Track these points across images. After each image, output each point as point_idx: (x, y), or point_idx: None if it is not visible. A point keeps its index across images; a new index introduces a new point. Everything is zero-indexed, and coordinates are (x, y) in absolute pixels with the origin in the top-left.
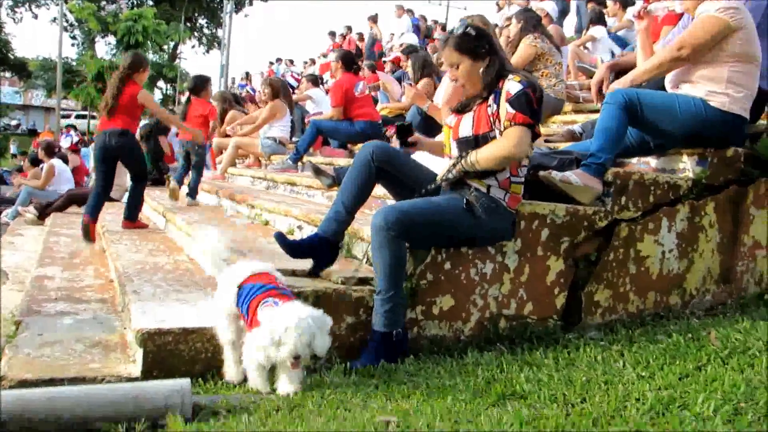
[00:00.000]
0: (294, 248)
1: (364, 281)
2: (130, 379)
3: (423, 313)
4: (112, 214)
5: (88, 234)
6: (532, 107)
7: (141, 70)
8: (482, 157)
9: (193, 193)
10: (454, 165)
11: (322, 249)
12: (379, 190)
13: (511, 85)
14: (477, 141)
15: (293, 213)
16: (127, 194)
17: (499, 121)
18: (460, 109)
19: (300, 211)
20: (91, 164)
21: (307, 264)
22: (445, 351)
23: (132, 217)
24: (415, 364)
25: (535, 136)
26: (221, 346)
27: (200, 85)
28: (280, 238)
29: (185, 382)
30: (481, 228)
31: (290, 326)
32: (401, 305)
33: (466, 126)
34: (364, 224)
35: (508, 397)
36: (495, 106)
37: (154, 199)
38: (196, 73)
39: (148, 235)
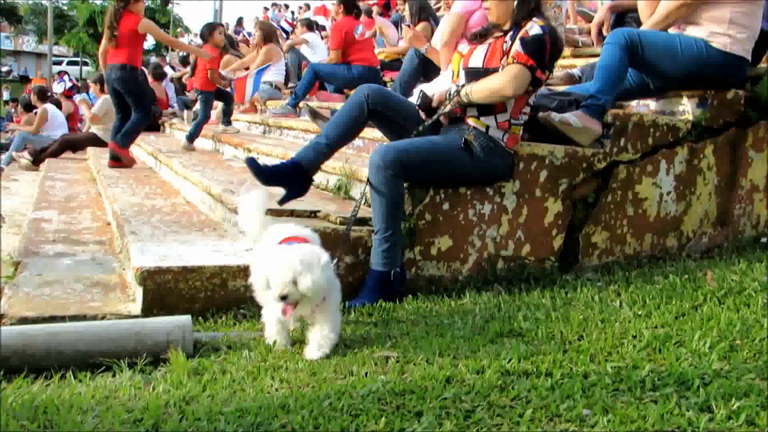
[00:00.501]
0: (266, 175)
1: (362, 221)
2: (130, 317)
3: (421, 254)
4: (106, 159)
5: (117, 157)
6: (542, 54)
7: (134, 0)
8: (476, 89)
9: (192, 137)
10: (451, 97)
11: (295, 177)
12: (377, 133)
13: (533, 27)
14: (486, 74)
15: (291, 156)
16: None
17: (507, 57)
18: (476, 38)
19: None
20: (84, 111)
21: (307, 206)
22: (443, 291)
23: (121, 143)
24: (413, 303)
25: (537, 82)
26: (224, 287)
27: (208, 31)
28: (252, 163)
29: (186, 318)
30: (478, 167)
31: (274, 266)
32: (399, 245)
33: (478, 57)
34: (362, 166)
35: (506, 335)
36: (510, 43)
37: (149, 144)
38: (188, 18)
39: (143, 178)
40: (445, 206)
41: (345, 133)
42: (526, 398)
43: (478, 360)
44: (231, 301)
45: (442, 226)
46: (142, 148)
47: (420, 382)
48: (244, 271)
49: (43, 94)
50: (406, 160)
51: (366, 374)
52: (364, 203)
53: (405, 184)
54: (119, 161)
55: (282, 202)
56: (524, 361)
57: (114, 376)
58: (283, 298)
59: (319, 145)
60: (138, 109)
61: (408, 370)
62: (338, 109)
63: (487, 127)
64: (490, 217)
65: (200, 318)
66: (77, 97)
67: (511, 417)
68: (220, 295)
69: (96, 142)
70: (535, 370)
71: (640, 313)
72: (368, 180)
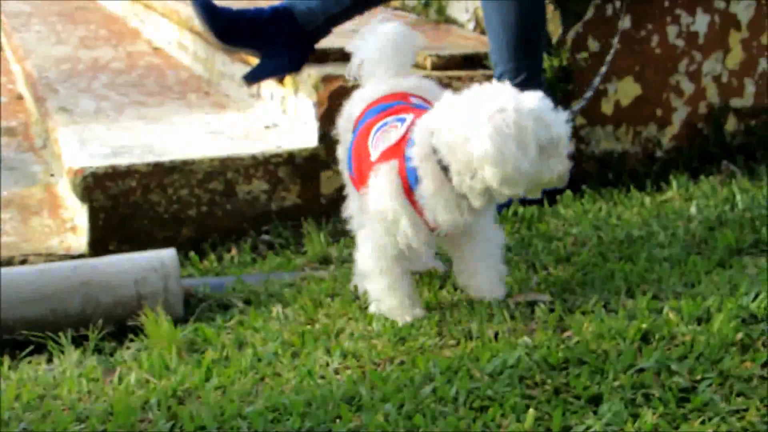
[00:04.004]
0: (225, 24)
1: (472, 60)
2: (70, 257)
3: (585, 115)
4: None
5: None
6: None
7: None
8: None
9: None
10: None
11: (279, 34)
12: None
13: None
14: None
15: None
16: None
17: None
18: None
19: None
20: None
21: None
22: (628, 179)
23: None
24: (575, 204)
25: None
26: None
27: None
28: (202, 2)
29: (168, 254)
30: None
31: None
32: None
33: None
34: None
35: (747, 250)
36: None
37: None
38: None
39: (75, 13)
40: (625, 23)
41: None
42: None
43: (697, 299)
44: (244, 221)
45: (621, 61)
46: None
47: (594, 344)
48: (265, 165)
49: None
50: None
51: (496, 336)
52: (475, 28)
53: None
54: None
55: (251, 78)
56: None
57: (50, 360)
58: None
59: None
60: None
61: (571, 325)
62: None
63: None
64: (708, 39)
65: (192, 253)
66: None
67: (763, 396)
68: (226, 212)
69: None
70: None
71: None
72: None
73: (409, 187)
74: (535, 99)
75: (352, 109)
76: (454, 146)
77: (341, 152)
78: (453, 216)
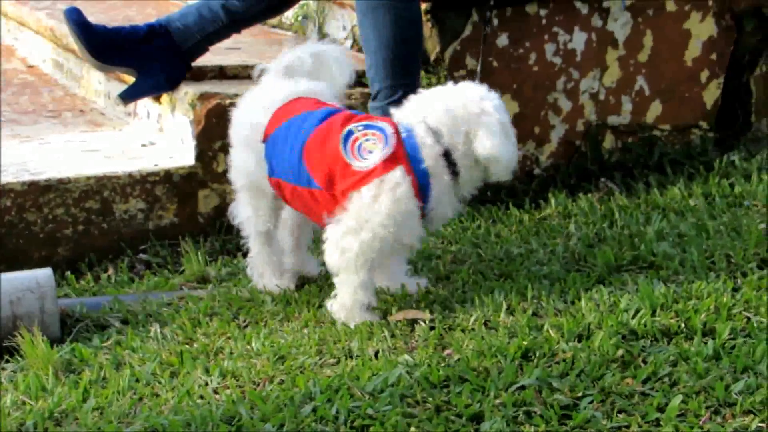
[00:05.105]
0: (101, 42)
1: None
2: None
3: None
4: None
5: None
6: None
7: None
8: None
9: None
10: None
11: (156, 52)
12: None
13: None
14: None
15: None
16: None
17: None
18: None
19: None
20: None
21: (245, 57)
22: (507, 197)
23: None
24: (456, 222)
25: None
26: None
27: None
28: (74, 16)
29: (44, 274)
30: None
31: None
32: None
33: None
34: None
35: (625, 268)
36: None
37: None
38: None
39: None
40: (503, 40)
41: None
42: (669, 378)
43: (577, 315)
44: (121, 241)
45: (498, 77)
46: None
47: (475, 362)
48: (142, 184)
49: None
50: None
51: (376, 354)
52: (352, 45)
53: (423, 5)
54: None
55: (127, 96)
56: (662, 312)
57: None
58: None
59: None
60: None
61: (452, 343)
62: None
63: None
64: (585, 57)
65: (69, 273)
66: None
67: (644, 412)
68: (102, 231)
69: None
70: (683, 327)
71: None
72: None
73: (418, 188)
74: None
75: (253, 117)
76: (463, 144)
77: (243, 160)
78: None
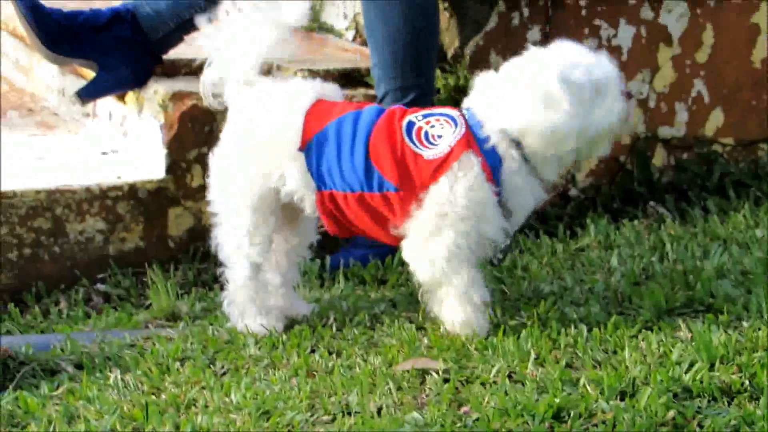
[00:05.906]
0: (56, 29)
1: (351, 77)
2: None
3: None
4: None
5: None
6: None
7: None
8: None
9: None
10: None
11: (120, 42)
12: None
13: None
14: None
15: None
16: None
17: None
18: None
19: None
20: None
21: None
22: (537, 225)
23: None
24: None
25: None
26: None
27: None
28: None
29: None
30: None
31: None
32: None
33: None
34: None
35: (678, 311)
36: None
37: None
38: None
39: None
40: (533, 34)
41: None
42: None
43: (620, 368)
44: (75, 267)
45: None
46: None
47: (497, 422)
48: (101, 199)
49: None
50: None
51: (379, 411)
52: (357, 38)
53: None
54: None
55: (86, 94)
56: (721, 366)
57: None
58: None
59: None
60: None
61: (469, 398)
62: None
63: None
64: (633, 55)
65: (12, 305)
66: None
67: None
68: (53, 255)
69: None
70: (746, 384)
71: None
72: None
73: (490, 173)
74: (568, 50)
75: (281, 119)
76: (530, 122)
77: (260, 174)
78: (534, 198)
